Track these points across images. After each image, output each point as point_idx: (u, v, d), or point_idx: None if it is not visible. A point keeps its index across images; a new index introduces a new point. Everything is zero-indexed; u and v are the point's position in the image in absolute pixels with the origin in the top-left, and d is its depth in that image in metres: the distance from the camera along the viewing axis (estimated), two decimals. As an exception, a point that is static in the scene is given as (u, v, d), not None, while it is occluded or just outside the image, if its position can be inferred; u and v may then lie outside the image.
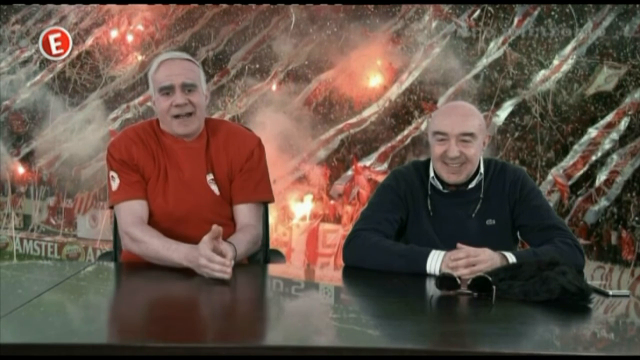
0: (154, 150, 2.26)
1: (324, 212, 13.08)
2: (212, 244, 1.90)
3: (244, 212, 2.27)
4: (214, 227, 1.92)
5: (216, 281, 1.86)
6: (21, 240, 15.26)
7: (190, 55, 2.37)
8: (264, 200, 2.36)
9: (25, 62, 21.75)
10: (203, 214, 2.20)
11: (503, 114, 15.62)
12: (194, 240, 1.96)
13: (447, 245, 2.07)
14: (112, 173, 2.24)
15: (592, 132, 14.46)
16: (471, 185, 2.29)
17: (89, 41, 21.69)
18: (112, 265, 2.36)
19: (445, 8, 18.22)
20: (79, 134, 18.12)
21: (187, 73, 2.21)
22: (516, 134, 15.25)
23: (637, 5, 16.50)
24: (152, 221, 2.22)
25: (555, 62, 16.52)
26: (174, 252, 2.02)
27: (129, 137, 2.28)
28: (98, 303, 1.81)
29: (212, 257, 1.87)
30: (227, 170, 2.28)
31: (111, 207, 2.29)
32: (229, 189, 2.29)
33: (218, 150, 2.28)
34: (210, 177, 2.27)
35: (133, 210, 2.20)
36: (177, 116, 2.20)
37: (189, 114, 2.20)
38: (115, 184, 2.23)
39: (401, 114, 17.00)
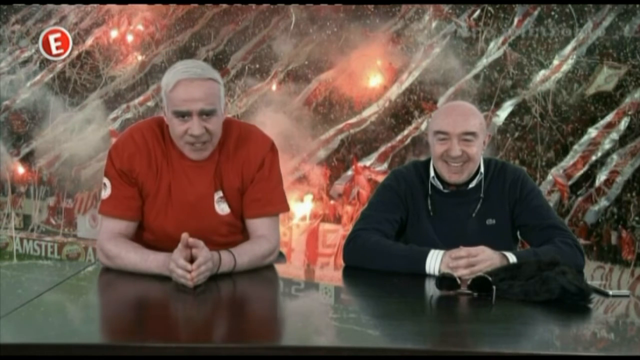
0: (159, 163, 2.12)
1: (324, 212, 13.09)
2: (185, 250, 1.84)
3: (256, 225, 2.15)
4: (183, 235, 1.85)
5: (216, 282, 1.86)
6: (21, 240, 15.26)
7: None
8: (277, 212, 2.20)
9: (25, 62, 21.78)
10: (206, 237, 1.98)
11: (503, 114, 15.64)
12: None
13: (447, 245, 2.06)
14: (105, 180, 2.12)
15: (592, 132, 14.48)
16: (471, 185, 2.29)
17: (89, 41, 21.71)
18: (112, 265, 2.35)
19: (445, 8, 18.24)
20: (79, 134, 18.14)
21: (207, 98, 2.01)
22: (516, 134, 15.27)
23: (637, 5, 16.50)
24: (152, 240, 2.13)
25: (555, 62, 16.54)
26: (152, 262, 1.95)
27: (135, 142, 2.12)
28: (98, 303, 1.81)
29: (177, 261, 1.83)
30: (238, 182, 2.15)
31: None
32: (240, 201, 2.16)
33: (228, 160, 2.14)
34: (219, 195, 2.13)
35: (114, 229, 2.09)
36: (191, 143, 2.05)
37: (204, 142, 2.05)
38: (105, 193, 2.12)
39: (401, 114, 17.02)
